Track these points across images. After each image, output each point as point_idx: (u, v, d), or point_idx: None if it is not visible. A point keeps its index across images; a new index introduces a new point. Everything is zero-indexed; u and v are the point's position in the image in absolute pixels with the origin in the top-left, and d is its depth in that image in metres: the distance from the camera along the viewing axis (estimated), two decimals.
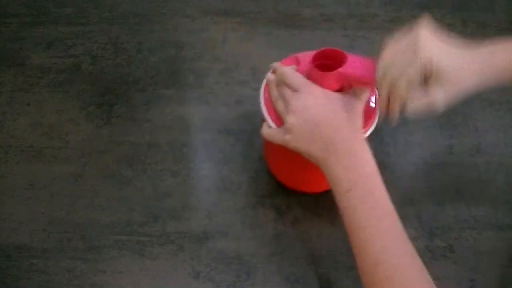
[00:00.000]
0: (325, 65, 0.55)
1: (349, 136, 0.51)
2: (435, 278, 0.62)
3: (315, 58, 0.55)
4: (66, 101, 0.78)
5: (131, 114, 0.77)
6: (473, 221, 0.66)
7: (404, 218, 0.66)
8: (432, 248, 0.64)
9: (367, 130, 0.55)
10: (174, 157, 0.72)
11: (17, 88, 0.80)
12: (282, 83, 0.54)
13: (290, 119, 0.52)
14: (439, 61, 0.47)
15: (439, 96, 0.48)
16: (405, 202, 0.68)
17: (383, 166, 0.72)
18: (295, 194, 0.68)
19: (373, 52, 0.50)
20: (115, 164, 0.72)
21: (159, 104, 0.78)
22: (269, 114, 0.56)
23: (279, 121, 0.55)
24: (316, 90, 0.52)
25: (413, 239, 0.64)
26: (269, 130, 0.56)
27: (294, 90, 0.53)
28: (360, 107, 0.52)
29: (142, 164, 0.71)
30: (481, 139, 0.74)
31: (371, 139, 0.75)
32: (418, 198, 0.68)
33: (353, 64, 0.52)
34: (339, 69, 0.51)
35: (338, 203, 0.50)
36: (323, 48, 0.54)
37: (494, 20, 0.86)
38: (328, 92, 0.53)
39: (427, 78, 0.48)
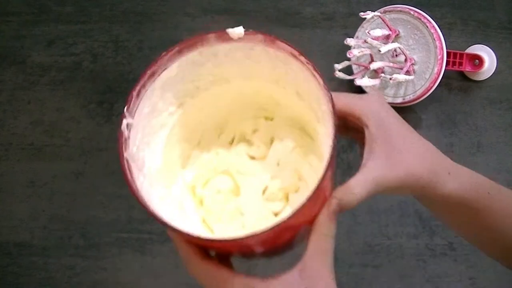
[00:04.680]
0: None
1: None
2: (436, 275, 0.62)
3: None
4: (66, 99, 0.79)
5: None
6: None
7: (404, 216, 0.67)
8: (432, 246, 0.64)
9: None
10: None
11: (18, 86, 0.80)
12: None
13: None
14: None
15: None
16: (405, 200, 0.68)
17: None
18: None
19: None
20: (116, 162, 0.71)
21: None
22: None
23: None
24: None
25: (414, 237, 0.65)
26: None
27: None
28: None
29: None
30: (481, 137, 0.74)
31: None
32: None
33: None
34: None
35: None
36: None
37: (494, 19, 0.86)
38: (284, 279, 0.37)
39: None
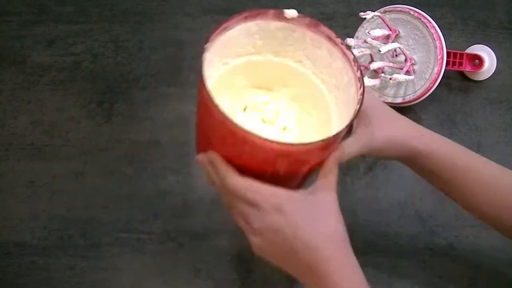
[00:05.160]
0: None
1: (326, 254, 0.44)
2: (436, 276, 0.62)
3: None
4: (66, 99, 0.78)
5: (132, 112, 0.77)
6: (473, 219, 0.66)
7: (404, 216, 0.67)
8: (432, 246, 0.64)
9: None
10: (175, 155, 0.72)
11: (18, 86, 0.80)
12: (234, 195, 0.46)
13: (256, 241, 0.45)
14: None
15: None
16: (405, 200, 0.68)
17: (384, 165, 0.72)
18: None
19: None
20: (116, 162, 0.72)
21: (159, 102, 0.78)
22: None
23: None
24: (281, 204, 0.44)
25: (414, 237, 0.65)
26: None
27: (253, 205, 0.44)
28: (333, 205, 0.46)
29: (142, 162, 0.71)
30: (481, 137, 0.74)
31: None
32: (419, 196, 0.69)
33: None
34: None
35: None
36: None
37: (494, 19, 0.86)
38: (293, 200, 0.44)
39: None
